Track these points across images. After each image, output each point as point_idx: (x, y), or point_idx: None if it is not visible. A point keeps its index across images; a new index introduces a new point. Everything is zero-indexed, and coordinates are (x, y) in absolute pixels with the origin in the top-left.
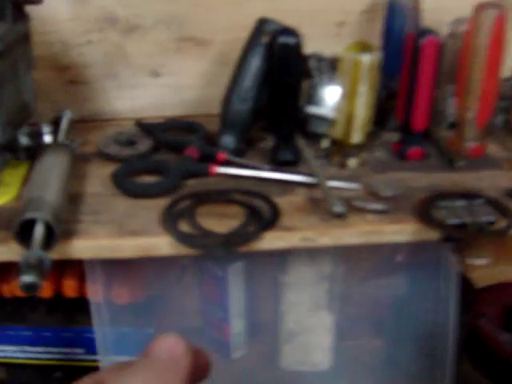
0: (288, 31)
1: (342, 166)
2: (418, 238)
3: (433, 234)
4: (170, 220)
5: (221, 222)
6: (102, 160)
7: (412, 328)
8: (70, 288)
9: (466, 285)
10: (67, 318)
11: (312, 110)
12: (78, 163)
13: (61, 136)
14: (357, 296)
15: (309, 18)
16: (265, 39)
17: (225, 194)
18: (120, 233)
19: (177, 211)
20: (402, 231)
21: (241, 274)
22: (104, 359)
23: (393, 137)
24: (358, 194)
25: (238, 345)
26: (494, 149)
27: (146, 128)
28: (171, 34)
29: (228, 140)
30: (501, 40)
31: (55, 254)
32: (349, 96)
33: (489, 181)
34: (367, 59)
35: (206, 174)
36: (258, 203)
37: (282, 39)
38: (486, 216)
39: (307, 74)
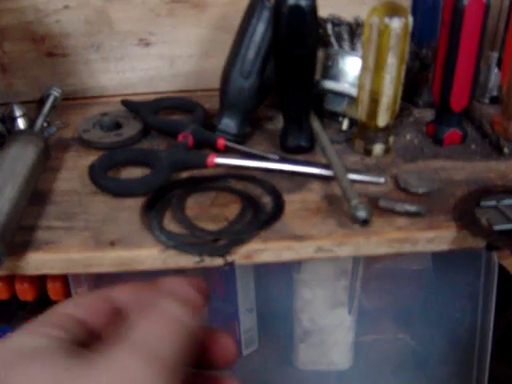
0: None
1: (366, 152)
2: (458, 247)
3: (477, 242)
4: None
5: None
6: (83, 148)
7: (442, 321)
8: (54, 291)
9: (504, 278)
10: None
11: (329, 85)
12: (54, 152)
13: (40, 120)
14: (379, 284)
15: None
16: (271, 0)
17: (218, 183)
18: (96, 243)
19: (159, 207)
20: (439, 239)
21: (250, 266)
22: None
23: (426, 114)
24: (384, 189)
25: (249, 341)
26: None
27: (133, 108)
28: None
29: (228, 123)
30: None
31: (16, 269)
32: (374, 69)
33: None
34: (397, 25)
35: (203, 165)
36: (259, 192)
37: (292, 0)
38: None
39: (323, 42)
